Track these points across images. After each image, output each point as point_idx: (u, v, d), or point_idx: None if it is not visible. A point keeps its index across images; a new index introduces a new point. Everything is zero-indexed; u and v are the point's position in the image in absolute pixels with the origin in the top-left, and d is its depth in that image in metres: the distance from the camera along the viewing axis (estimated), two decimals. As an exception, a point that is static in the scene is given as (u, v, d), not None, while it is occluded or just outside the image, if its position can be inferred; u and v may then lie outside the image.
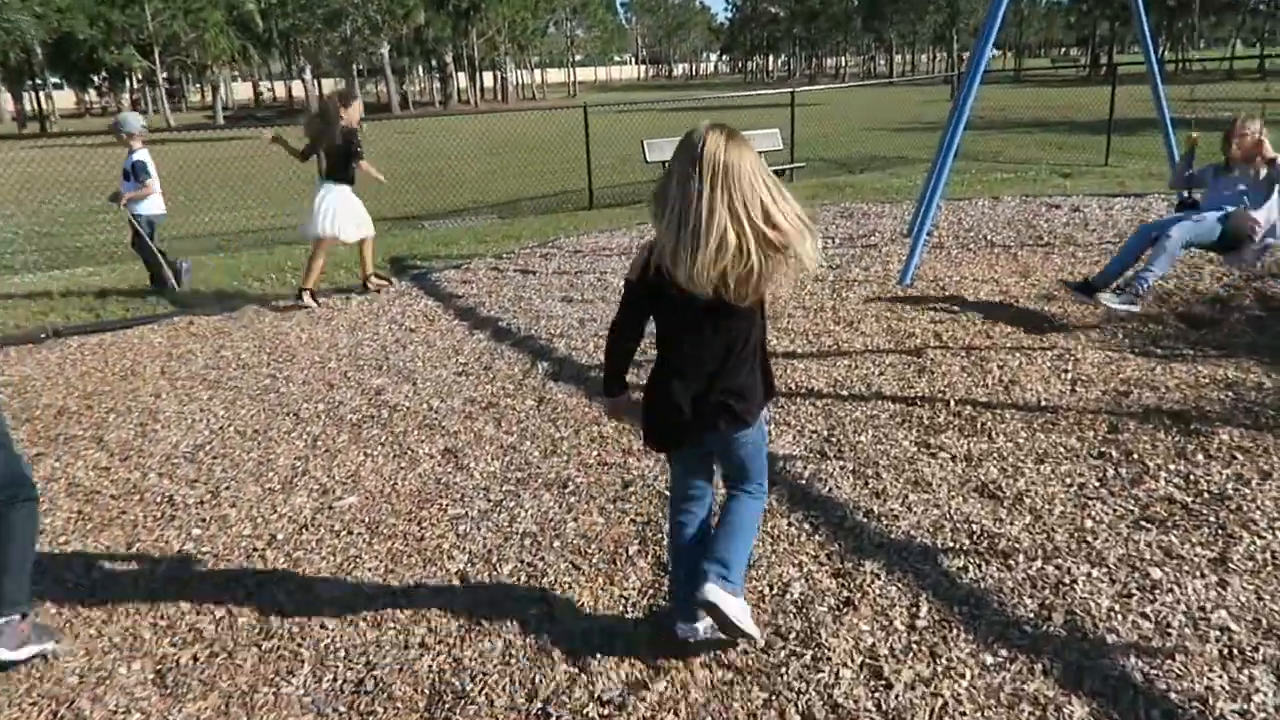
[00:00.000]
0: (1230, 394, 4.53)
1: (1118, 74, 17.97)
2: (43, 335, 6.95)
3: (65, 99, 68.51)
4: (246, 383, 5.69)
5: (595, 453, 4.34)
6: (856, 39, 72.02)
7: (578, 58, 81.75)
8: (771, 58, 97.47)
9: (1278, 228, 5.94)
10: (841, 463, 4.02)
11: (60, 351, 6.58)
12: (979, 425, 4.32)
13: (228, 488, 4.19)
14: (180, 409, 5.27)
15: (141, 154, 8.04)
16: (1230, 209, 5.93)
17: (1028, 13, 69.09)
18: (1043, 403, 4.56)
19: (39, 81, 48.19)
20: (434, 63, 61.89)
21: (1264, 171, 5.81)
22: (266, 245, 11.04)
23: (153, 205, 8.15)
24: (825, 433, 4.35)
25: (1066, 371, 4.97)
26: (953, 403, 4.60)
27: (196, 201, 15.11)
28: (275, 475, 4.30)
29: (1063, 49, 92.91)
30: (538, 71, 77.36)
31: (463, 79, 63.07)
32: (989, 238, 8.82)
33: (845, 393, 4.87)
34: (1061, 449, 4.02)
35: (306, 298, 7.42)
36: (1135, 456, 3.89)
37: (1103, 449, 3.99)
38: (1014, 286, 6.98)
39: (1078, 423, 4.28)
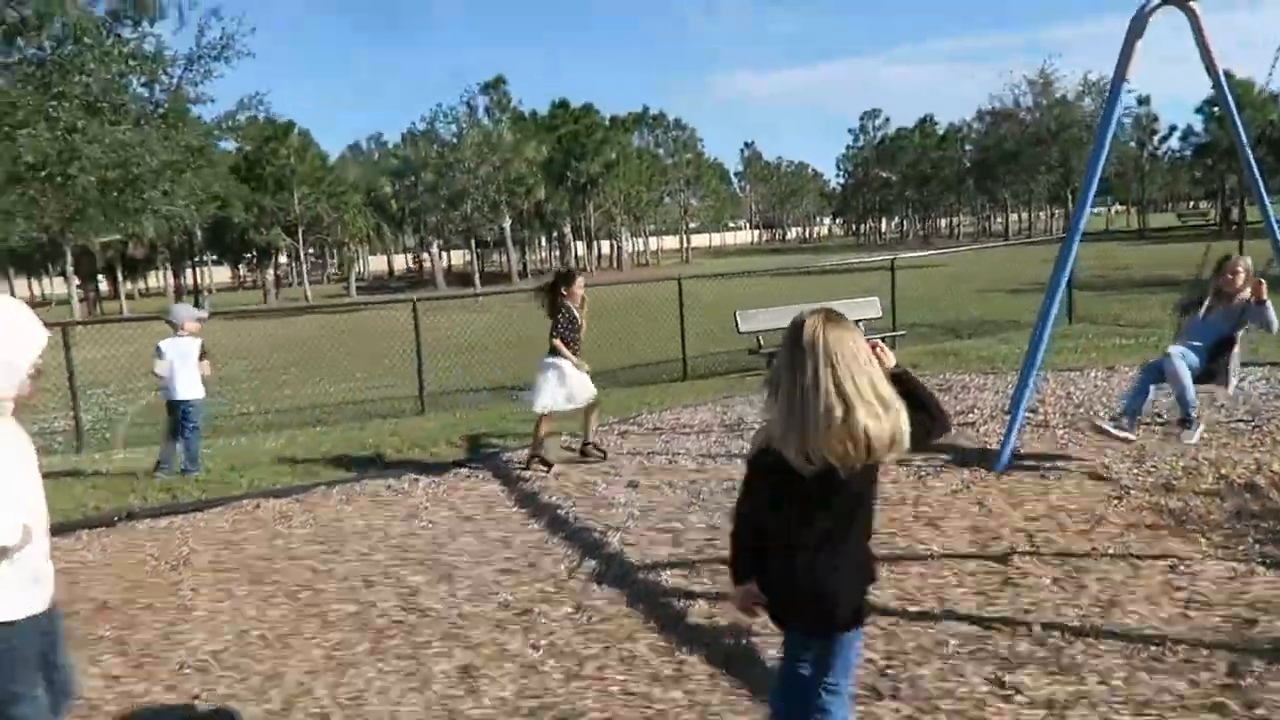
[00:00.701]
0: (1388, 627, 3.74)
1: (1246, 229, 17.01)
2: (116, 518, 7.03)
3: (222, 274, 74.92)
4: (289, 577, 5.50)
5: (621, 678, 3.88)
6: (970, 199, 72.01)
7: (692, 225, 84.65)
8: (884, 220, 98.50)
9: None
10: (896, 704, 3.44)
11: (128, 536, 6.60)
12: (1067, 659, 3.66)
13: (226, 706, 3.91)
14: (213, 606, 5.09)
15: (182, 341, 8.27)
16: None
17: (1149, 168, 67.94)
18: (1148, 631, 3.86)
19: (199, 260, 52.77)
20: (554, 233, 65.06)
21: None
22: (361, 419, 11.18)
23: (185, 389, 8.26)
24: (883, 662, 3.77)
25: (1180, 589, 4.26)
26: (1038, 627, 3.95)
27: (307, 371, 15.74)
28: (279, 693, 3.99)
29: (1190, 202, 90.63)
30: (653, 239, 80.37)
31: (581, 247, 65.85)
32: (1102, 414, 8.10)
33: (914, 609, 4.28)
34: (1168, 696, 3.33)
35: (537, 464, 7.68)
36: (1260, 712, 3.17)
37: (1220, 698, 3.28)
38: (1126, 474, 6.26)
39: (1189, 660, 3.58)
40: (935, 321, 17.30)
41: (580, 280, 7.87)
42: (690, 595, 4.73)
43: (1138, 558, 4.70)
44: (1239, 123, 7.31)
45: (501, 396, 11.91)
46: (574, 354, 7.69)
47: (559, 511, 6.41)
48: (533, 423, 7.86)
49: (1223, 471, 6.20)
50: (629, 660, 4.04)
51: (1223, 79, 7.00)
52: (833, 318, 2.48)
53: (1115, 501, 5.70)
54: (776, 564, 2.62)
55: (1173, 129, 72.47)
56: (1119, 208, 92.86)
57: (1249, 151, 7.43)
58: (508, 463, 8.04)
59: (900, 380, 2.59)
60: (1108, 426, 6.61)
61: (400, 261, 78.54)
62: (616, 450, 8.14)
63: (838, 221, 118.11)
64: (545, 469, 7.57)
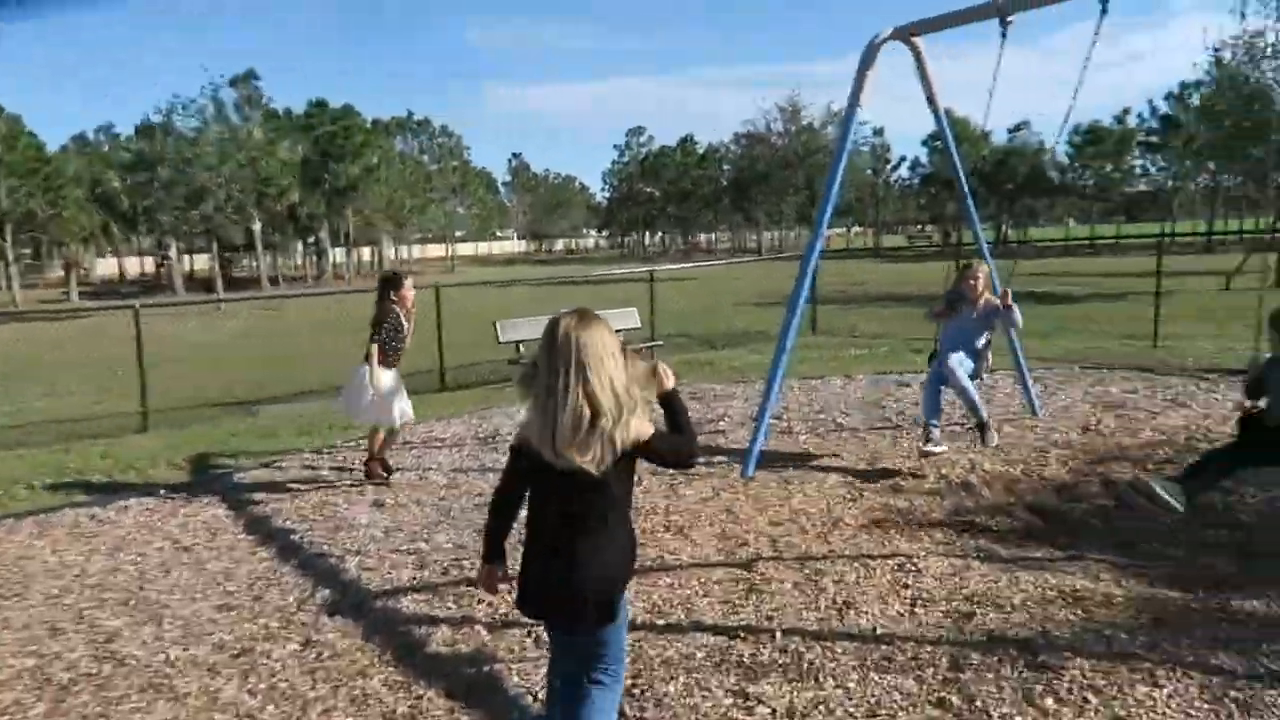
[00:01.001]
0: (1079, 613, 4.08)
1: (962, 251, 18.88)
2: None
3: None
4: (-48, 628, 4.64)
5: (349, 721, 3.52)
6: (727, 216, 75.75)
7: (459, 233, 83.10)
8: (648, 233, 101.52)
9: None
10: (641, 725, 3.33)
11: None
12: (806, 665, 3.71)
13: None
14: None
15: None
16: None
17: (883, 194, 74.41)
18: (879, 630, 4.00)
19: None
20: (311, 239, 61.67)
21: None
22: (70, 439, 9.86)
23: None
24: (629, 681, 3.66)
25: (907, 586, 4.47)
26: (779, 634, 3.99)
27: (10, 386, 13.81)
28: (-82, 776, 3.30)
29: (918, 225, 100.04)
30: (418, 247, 78.13)
31: (339, 254, 62.84)
32: (839, 420, 8.56)
33: (661, 623, 4.22)
34: (898, 695, 3.44)
35: (380, 473, 7.13)
36: (979, 704, 3.33)
37: (943, 693, 3.42)
38: (861, 476, 6.60)
39: (916, 657, 3.73)
40: (692, 332, 17.84)
41: (409, 283, 7.25)
42: (432, 621, 4.42)
43: (870, 558, 4.91)
44: (956, 154, 7.97)
45: (236, 412, 10.94)
46: (395, 363, 7.08)
47: (292, 537, 5.88)
48: (269, 437, 7.22)
49: (942, 472, 6.67)
50: (360, 700, 3.69)
51: (942, 112, 7.61)
52: (586, 317, 2.56)
53: (851, 503, 5.97)
54: (529, 554, 2.70)
55: (902, 159, 79.99)
56: (857, 229, 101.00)
57: (964, 181, 8.11)
58: (237, 485, 7.32)
59: (668, 402, 2.75)
60: (928, 447, 6.77)
61: (136, 265, 71.47)
62: (362, 468, 7.64)
63: (604, 234, 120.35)
64: (385, 475, 7.09)
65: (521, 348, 12.88)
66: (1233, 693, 3.35)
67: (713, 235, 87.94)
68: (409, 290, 7.19)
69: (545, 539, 2.65)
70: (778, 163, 35.35)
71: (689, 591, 4.57)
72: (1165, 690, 3.37)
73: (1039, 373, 9.96)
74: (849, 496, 6.10)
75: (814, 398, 9.67)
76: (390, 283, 7.18)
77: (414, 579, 5.00)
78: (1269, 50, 22.54)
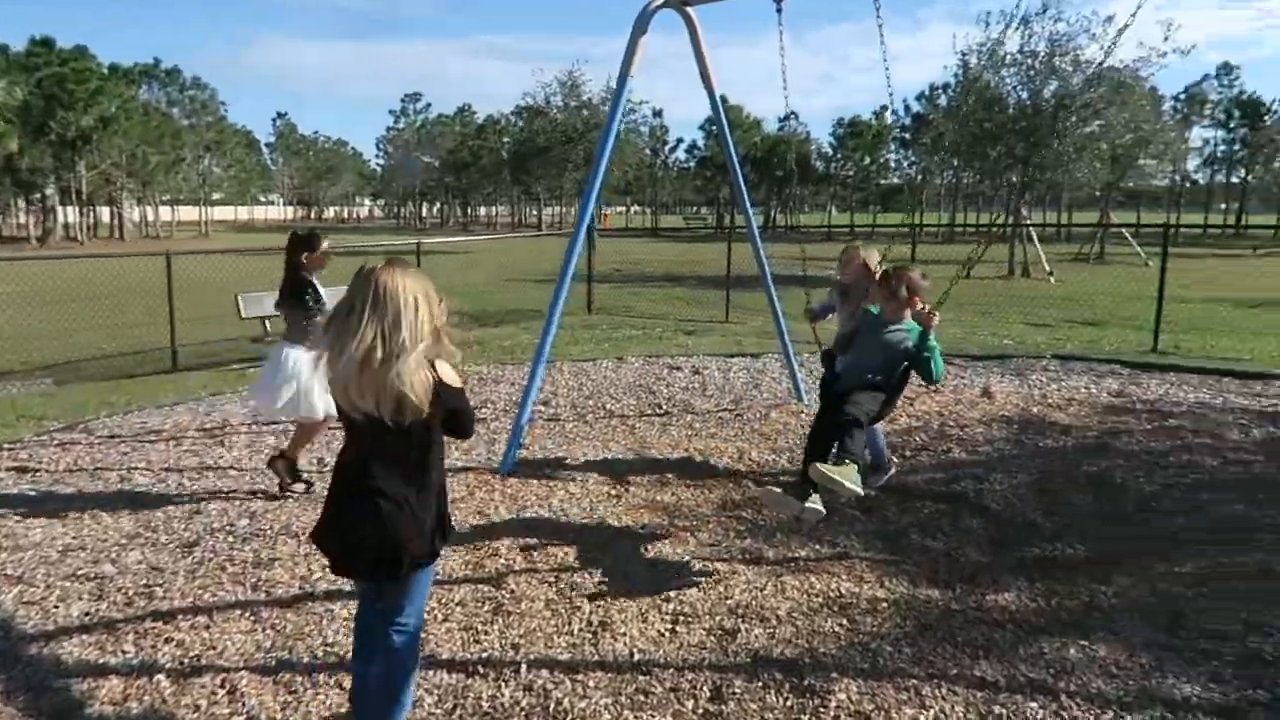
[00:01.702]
0: (845, 623, 3.85)
1: (732, 233, 19.19)
2: None
3: None
4: None
5: (-51, 829, 2.66)
6: (508, 190, 74.49)
7: (216, 196, 76.46)
8: (426, 204, 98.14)
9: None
10: (348, 805, 2.71)
11: None
12: (554, 706, 3.22)
13: None
14: None
15: None
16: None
17: (661, 174, 75.80)
18: (637, 655, 3.58)
19: None
20: (36, 195, 54.50)
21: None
22: None
23: None
24: (337, 744, 3.03)
25: (669, 599, 4.09)
26: (525, 667, 3.48)
27: None
28: None
29: (695, 208, 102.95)
30: (169, 209, 71.06)
31: (72, 213, 55.99)
32: (609, 406, 8.18)
33: (389, 659, 3.60)
34: (654, 738, 3.02)
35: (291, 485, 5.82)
36: (741, 742, 2.98)
37: (704, 731, 3.04)
38: (628, 469, 6.23)
39: (676, 687, 3.33)
40: (463, 309, 17.02)
41: (327, 244, 5.96)
42: (102, 671, 3.57)
43: (631, 566, 4.51)
44: (729, 135, 7.75)
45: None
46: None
47: (-66, 561, 4.72)
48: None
49: (711, 462, 6.43)
50: (-27, 793, 2.83)
51: (715, 89, 7.34)
52: (394, 264, 2.60)
53: (616, 501, 5.57)
54: (333, 496, 2.74)
55: (680, 141, 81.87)
56: (637, 209, 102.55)
57: (736, 161, 7.92)
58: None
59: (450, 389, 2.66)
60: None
61: None
62: (51, 468, 6.41)
63: (379, 203, 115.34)
64: (299, 483, 5.84)
65: (268, 324, 11.66)
66: (996, 708, 3.19)
67: (494, 209, 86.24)
68: (326, 246, 5.94)
69: (349, 483, 2.68)
70: (558, 137, 34.81)
71: (426, 617, 3.96)
72: (932, 712, 3.16)
73: (804, 357, 10.07)
74: (614, 493, 5.69)
75: (584, 382, 9.25)
76: (303, 243, 5.83)
77: (87, 614, 4.07)
78: (1008, 58, 24.50)
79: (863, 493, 4.33)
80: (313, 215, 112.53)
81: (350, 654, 3.56)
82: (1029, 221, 26.95)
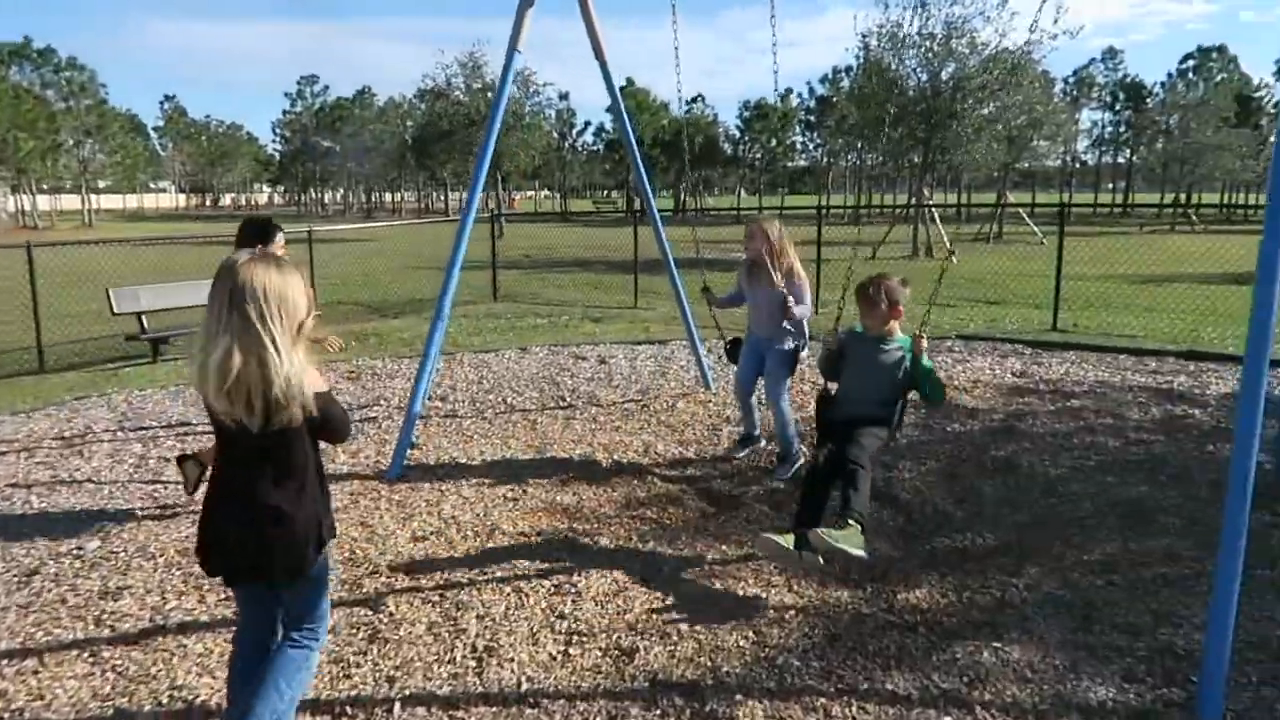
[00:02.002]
0: (751, 635, 3.61)
1: (640, 217, 18.91)
2: None
3: None
4: None
5: None
6: (413, 175, 72.71)
7: (102, 184, 72.44)
8: (328, 191, 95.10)
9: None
10: None
11: None
12: (424, 750, 2.88)
13: None
14: None
15: None
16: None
17: (570, 158, 75.04)
18: (525, 684, 3.26)
19: None
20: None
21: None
22: None
23: None
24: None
25: (563, 617, 3.78)
26: (399, 705, 3.13)
27: None
28: None
29: (605, 191, 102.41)
30: (48, 197, 66.93)
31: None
32: (510, 400, 7.82)
33: (246, 703, 3.20)
34: (541, 783, 2.72)
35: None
36: (637, 784, 2.69)
37: (596, 773, 2.75)
38: (528, 468, 5.89)
39: (567, 717, 3.03)
40: (361, 299, 16.38)
41: (281, 237, 5.15)
42: (-96, 734, 3.09)
43: (525, 579, 4.18)
44: (624, 111, 7.45)
45: None
46: None
47: None
48: None
49: (615, 457, 6.15)
50: None
51: (609, 65, 7.03)
52: (264, 260, 2.43)
53: (512, 505, 5.23)
54: (210, 503, 2.64)
55: (587, 124, 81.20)
56: (546, 193, 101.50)
57: (633, 140, 7.62)
58: None
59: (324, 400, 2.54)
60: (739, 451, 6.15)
61: None
62: None
63: (279, 189, 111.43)
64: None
65: (145, 320, 10.90)
66: (909, 726, 2.98)
67: (398, 195, 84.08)
68: (281, 247, 5.12)
69: (226, 487, 2.59)
70: (460, 120, 33.92)
71: (293, 648, 3.57)
72: (842, 733, 2.94)
73: (712, 342, 9.88)
74: (511, 496, 5.35)
75: (485, 375, 8.86)
76: (256, 234, 4.99)
77: (-105, 663, 3.56)
78: (906, 40, 24.78)
79: (867, 556, 3.89)
80: (208, 202, 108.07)
81: (201, 698, 3.17)
82: (930, 202, 27.41)
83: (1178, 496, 5.27)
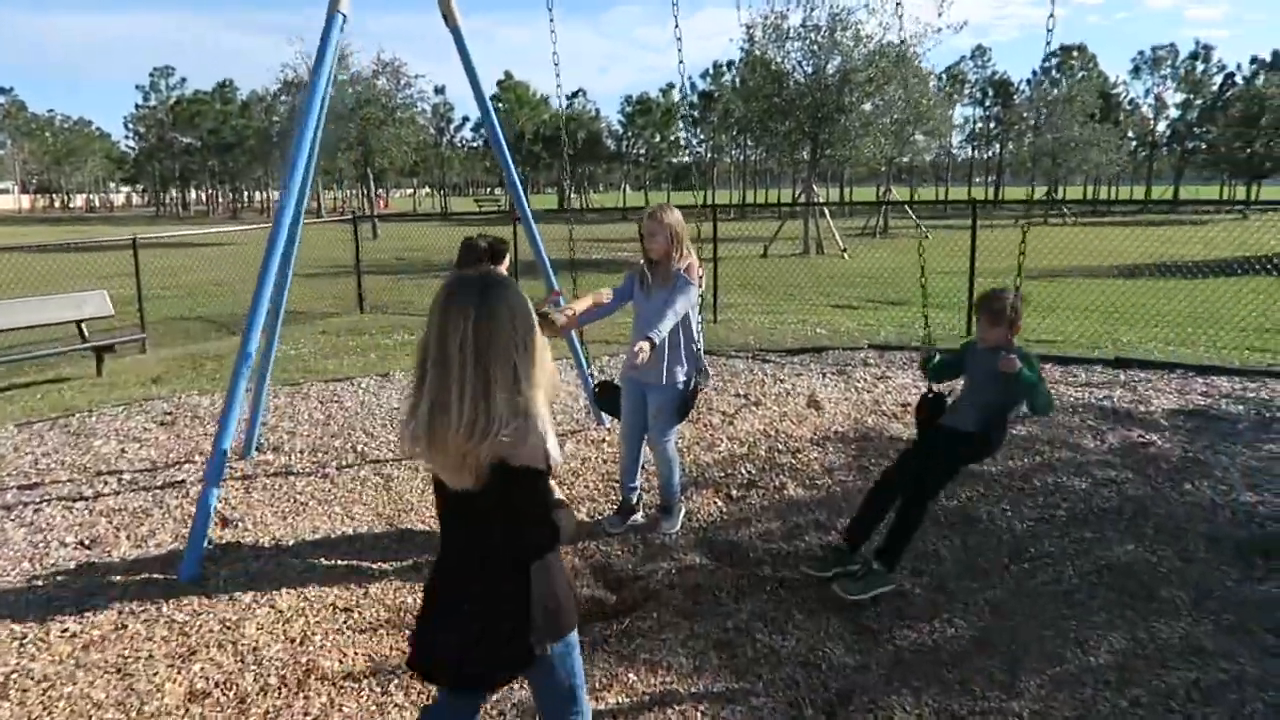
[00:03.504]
0: None
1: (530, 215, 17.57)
2: None
3: None
4: None
5: None
6: (281, 172, 68.87)
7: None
8: (189, 190, 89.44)
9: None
10: None
11: None
12: None
13: None
14: None
15: None
16: None
17: (449, 154, 72.59)
18: None
19: None
20: None
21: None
22: None
23: None
24: None
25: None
26: None
27: None
28: None
29: (488, 189, 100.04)
30: None
31: None
32: (362, 447, 6.42)
33: None
34: None
35: None
36: None
37: None
38: (373, 549, 4.57)
39: None
40: (208, 314, 14.49)
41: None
42: None
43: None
44: (482, 87, 6.15)
45: None
46: None
47: None
48: None
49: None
50: None
51: (460, 23, 5.73)
52: (497, 285, 1.98)
53: (344, 617, 3.89)
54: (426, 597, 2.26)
55: (465, 119, 78.69)
56: (426, 191, 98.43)
57: (497, 124, 6.34)
58: None
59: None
60: (611, 528, 4.86)
61: None
62: None
63: (138, 189, 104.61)
64: None
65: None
66: None
67: (265, 193, 79.66)
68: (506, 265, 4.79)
69: (440, 577, 2.20)
70: (328, 115, 31.67)
71: None
72: None
73: (604, 361, 8.69)
74: (344, 604, 4.02)
75: (334, 412, 7.41)
76: (489, 253, 4.68)
77: None
78: (790, 32, 24.16)
79: (894, 585, 4.08)
80: (57, 204, 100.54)
81: None
82: (819, 198, 26.94)
83: (1173, 558, 4.37)
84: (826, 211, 26.33)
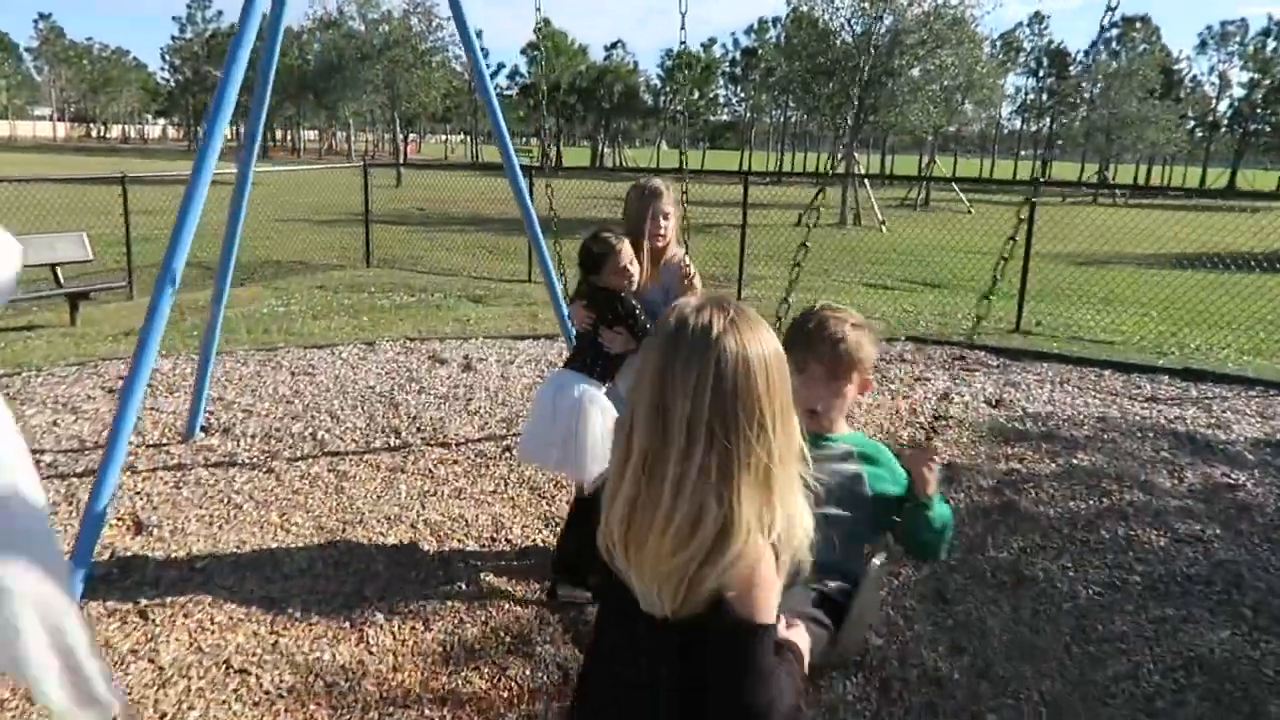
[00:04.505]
0: None
1: (552, 170, 16.68)
2: None
3: None
4: None
5: None
6: (315, 113, 68.06)
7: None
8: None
9: None
10: None
11: None
12: None
13: None
14: None
15: None
16: None
17: (482, 101, 71.19)
18: None
19: None
20: None
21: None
22: None
23: None
24: None
25: None
26: None
27: None
28: None
29: (524, 138, 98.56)
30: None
31: None
32: (322, 434, 5.65)
33: None
34: None
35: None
36: None
37: None
38: (304, 574, 3.82)
39: None
40: (207, 259, 13.74)
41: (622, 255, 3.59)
42: None
43: None
44: (474, 44, 5.25)
45: None
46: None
47: None
48: None
49: (446, 546, 4.10)
50: None
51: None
52: (745, 318, 1.33)
53: (242, 680, 3.13)
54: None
55: (500, 66, 77.22)
56: (462, 138, 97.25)
57: (486, 79, 5.48)
58: None
59: None
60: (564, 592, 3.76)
61: None
62: None
63: (174, 122, 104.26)
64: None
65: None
66: None
67: (296, 134, 78.84)
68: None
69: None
70: (351, 54, 30.70)
71: None
72: None
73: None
74: (239, 665, 3.24)
75: (304, 386, 6.64)
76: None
77: None
78: (841, -12, 22.84)
79: None
80: (93, 134, 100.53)
81: None
82: (859, 167, 25.72)
83: (1280, 652, 3.50)
84: (867, 181, 25.13)
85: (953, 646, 3.51)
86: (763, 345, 1.33)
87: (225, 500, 4.62)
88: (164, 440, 5.44)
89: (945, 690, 3.25)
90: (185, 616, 3.50)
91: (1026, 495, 4.87)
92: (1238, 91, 63.01)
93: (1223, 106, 64.37)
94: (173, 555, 4.02)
